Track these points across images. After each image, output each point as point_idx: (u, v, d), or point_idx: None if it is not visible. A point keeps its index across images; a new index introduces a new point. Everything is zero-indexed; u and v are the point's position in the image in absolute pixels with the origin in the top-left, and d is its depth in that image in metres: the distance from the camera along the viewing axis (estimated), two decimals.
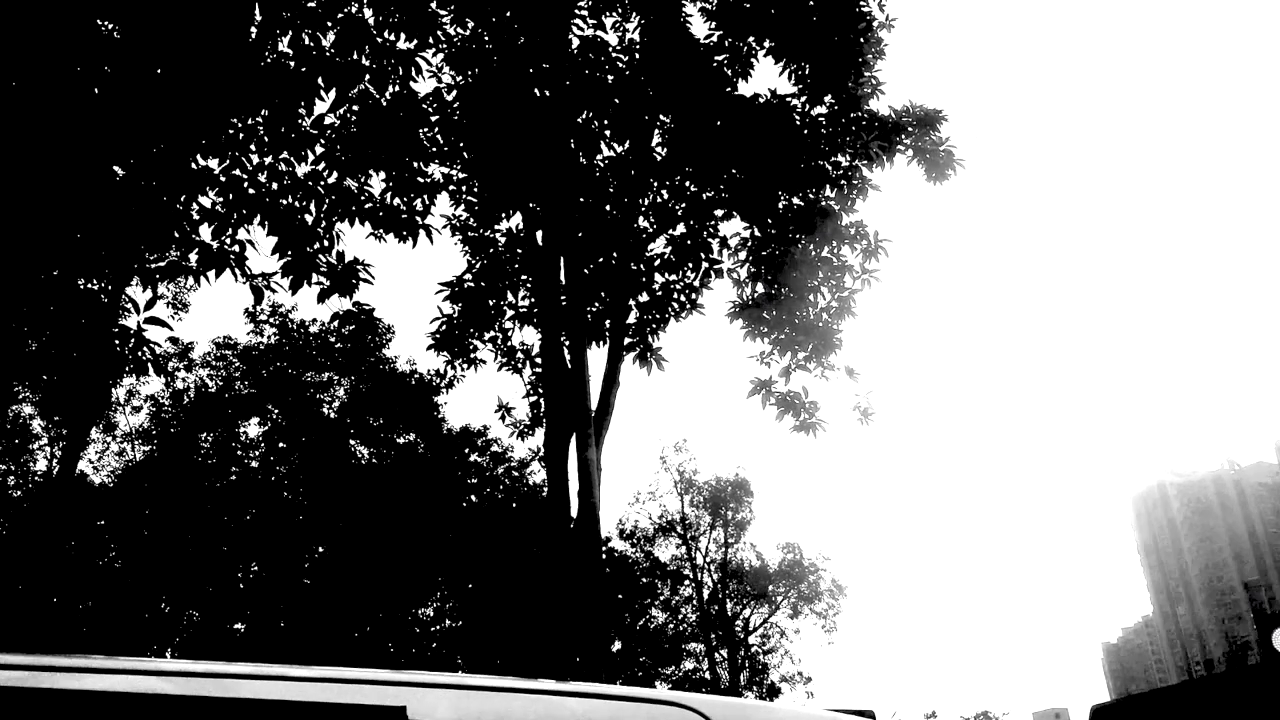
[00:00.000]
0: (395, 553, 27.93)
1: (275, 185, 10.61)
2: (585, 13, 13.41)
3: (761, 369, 15.12)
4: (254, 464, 29.79)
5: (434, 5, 11.24)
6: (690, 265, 14.93)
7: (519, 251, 14.94)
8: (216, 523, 27.78)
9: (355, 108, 10.89)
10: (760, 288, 14.88)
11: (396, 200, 12.23)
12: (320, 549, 29.00)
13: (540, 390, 15.66)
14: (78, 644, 25.68)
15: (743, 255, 14.85)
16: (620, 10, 13.82)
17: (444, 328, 15.11)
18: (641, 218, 14.59)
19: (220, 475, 28.98)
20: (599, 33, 13.44)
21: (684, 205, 14.60)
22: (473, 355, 15.48)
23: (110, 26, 9.02)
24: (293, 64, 9.71)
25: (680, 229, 14.83)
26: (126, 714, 1.62)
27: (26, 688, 1.59)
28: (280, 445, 29.78)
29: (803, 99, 14.04)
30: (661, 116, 14.12)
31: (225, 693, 1.68)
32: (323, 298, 11.17)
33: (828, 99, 14.14)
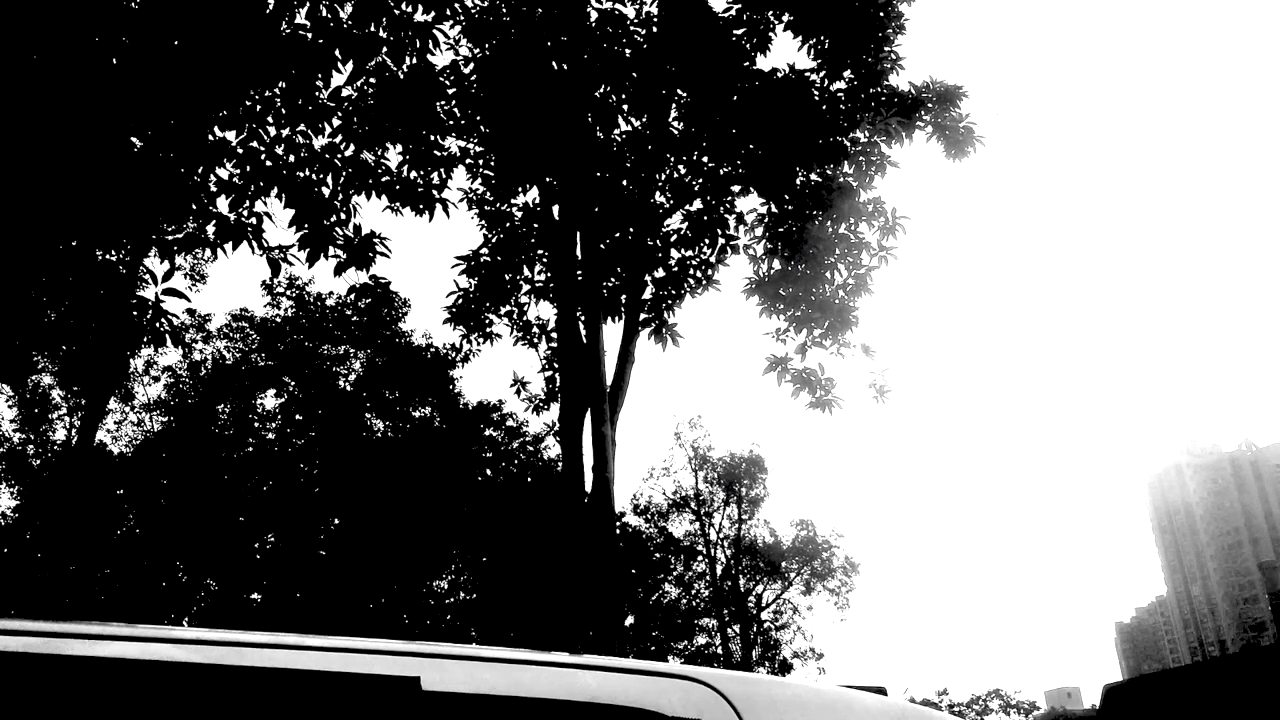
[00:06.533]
0: (410, 525, 28.08)
1: (292, 158, 10.61)
2: None
3: (777, 346, 15.10)
4: (270, 436, 29.96)
5: None
6: (706, 241, 14.88)
7: (535, 226, 14.90)
8: (233, 493, 27.97)
9: (372, 80, 10.87)
10: (777, 264, 14.82)
11: (413, 173, 12.22)
12: (336, 521, 29.19)
13: (555, 365, 15.66)
14: (95, 612, 25.94)
15: (759, 231, 14.79)
16: None
17: (460, 302, 15.11)
18: (658, 193, 14.53)
19: (237, 446, 29.16)
20: (617, 5, 13.35)
21: (701, 181, 14.53)
22: (488, 329, 15.48)
23: None
24: (310, 35, 9.69)
25: (697, 204, 14.77)
26: (143, 680, 1.63)
27: (44, 654, 1.60)
28: (297, 417, 29.93)
29: (821, 74, 13.93)
30: (679, 91, 14.03)
31: (241, 661, 1.69)
32: (339, 271, 11.20)
33: (847, 74, 14.03)
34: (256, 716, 1.67)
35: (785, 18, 13.83)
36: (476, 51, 13.24)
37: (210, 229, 10.26)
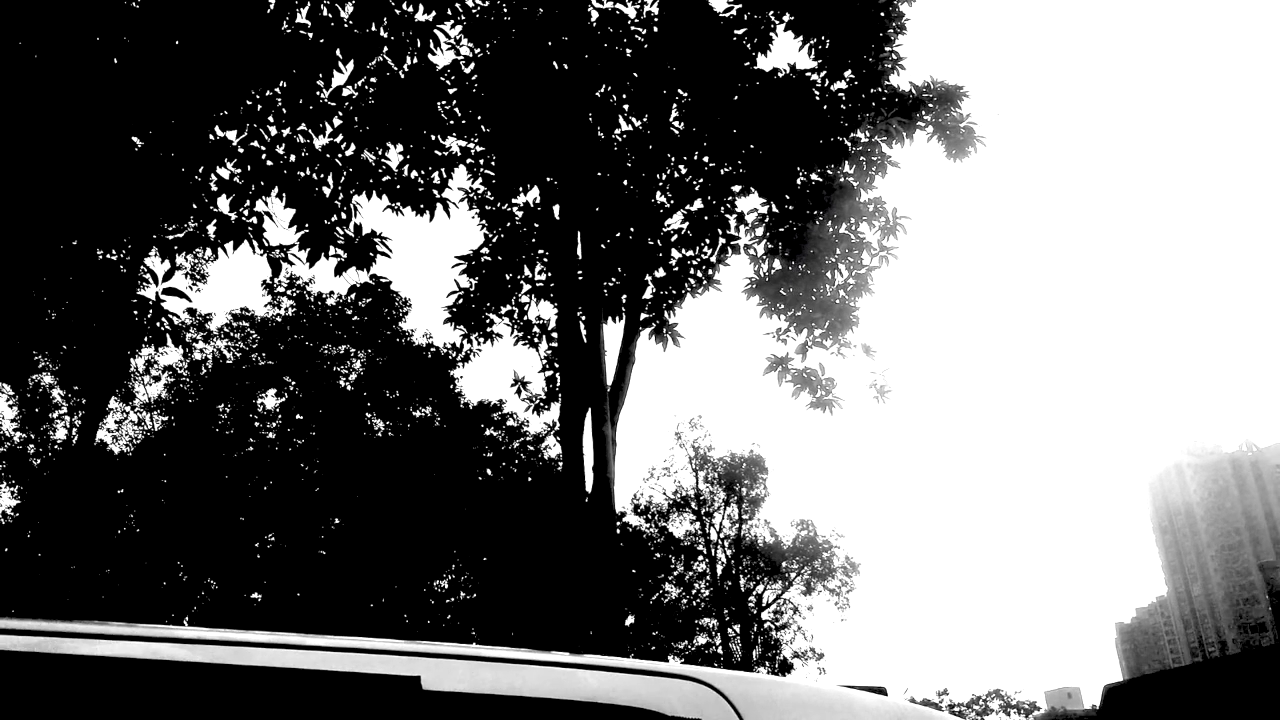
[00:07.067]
0: (411, 525, 28.08)
1: (293, 157, 10.61)
2: None
3: (778, 346, 15.09)
4: (271, 435, 29.95)
5: None
6: (707, 241, 14.87)
7: (536, 226, 14.90)
8: (234, 493, 27.96)
9: (373, 80, 10.87)
10: (777, 264, 14.81)
11: (414, 173, 12.23)
12: (336, 520, 29.17)
13: (556, 365, 15.66)
14: (96, 611, 25.94)
15: (760, 231, 14.78)
16: None
17: (460, 301, 15.11)
18: (659, 193, 14.52)
19: (238, 446, 29.15)
20: (618, 5, 13.35)
21: (701, 181, 14.52)
22: (489, 329, 15.48)
23: None
24: (311, 35, 9.69)
25: (698, 204, 14.77)
26: (144, 680, 1.63)
27: (44, 654, 1.60)
28: (297, 417, 29.92)
29: (822, 74, 13.93)
30: (680, 91, 14.02)
31: (241, 660, 1.69)
32: (340, 270, 11.20)
33: (847, 74, 14.02)
34: (257, 716, 1.67)
35: (786, 18, 13.83)
36: (477, 51, 13.24)
37: (211, 228, 10.26)
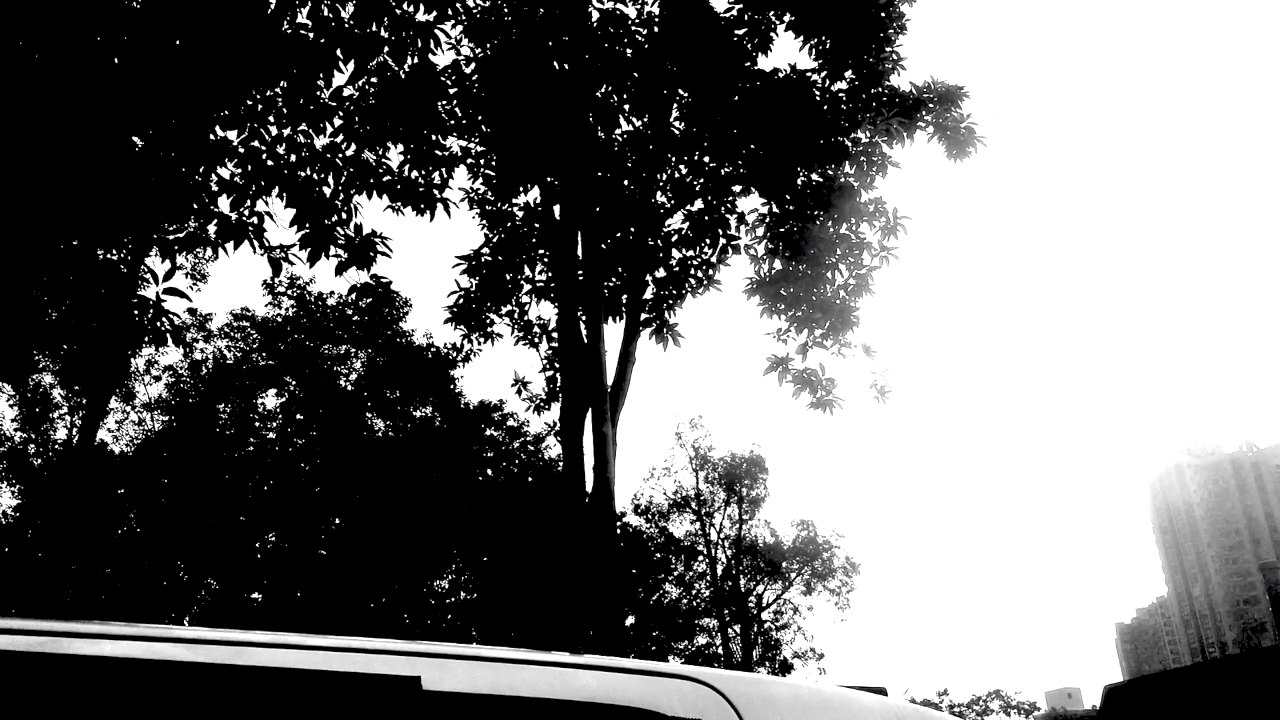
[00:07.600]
0: (411, 525, 28.07)
1: (294, 157, 10.62)
2: None
3: (778, 346, 15.10)
4: (271, 435, 29.94)
5: None
6: (708, 241, 14.88)
7: (536, 226, 14.91)
8: (234, 493, 27.96)
9: (374, 80, 10.87)
10: (778, 264, 14.81)
11: (414, 173, 12.23)
12: (337, 520, 29.16)
13: (556, 365, 15.66)
14: (96, 611, 25.93)
15: (760, 231, 14.79)
16: None
17: (461, 301, 15.11)
18: (659, 193, 14.53)
19: (238, 446, 29.14)
20: (618, 5, 13.35)
21: (702, 181, 14.52)
22: (489, 329, 15.49)
23: None
24: (311, 35, 9.69)
25: (698, 205, 14.77)
26: (144, 680, 1.63)
27: (45, 654, 1.60)
28: (298, 417, 29.92)
29: (823, 74, 13.93)
30: (680, 91, 14.03)
31: (242, 660, 1.69)
32: (340, 270, 11.20)
33: (848, 74, 14.02)
34: (257, 716, 1.67)
35: (786, 18, 13.83)
36: (478, 51, 13.24)
37: (211, 228, 10.27)
